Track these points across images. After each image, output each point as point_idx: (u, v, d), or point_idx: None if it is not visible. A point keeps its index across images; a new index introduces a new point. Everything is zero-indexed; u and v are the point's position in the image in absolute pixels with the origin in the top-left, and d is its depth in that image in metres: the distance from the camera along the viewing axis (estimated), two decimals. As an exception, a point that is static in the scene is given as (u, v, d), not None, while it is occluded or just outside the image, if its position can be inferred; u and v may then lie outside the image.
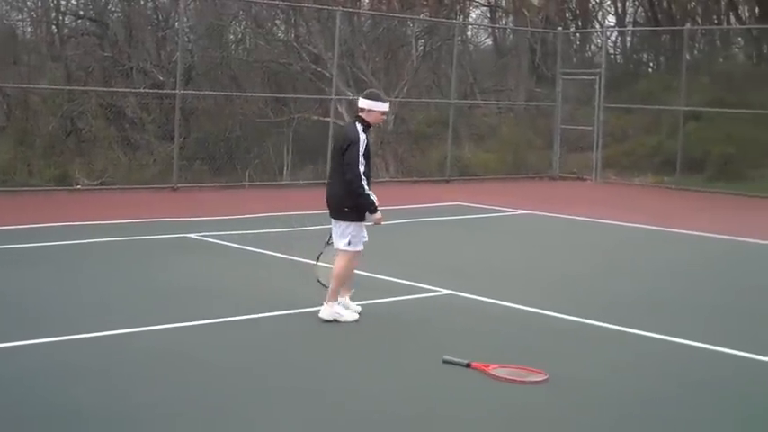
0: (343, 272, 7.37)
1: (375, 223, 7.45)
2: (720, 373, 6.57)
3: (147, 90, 19.32)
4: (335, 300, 7.45)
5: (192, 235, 11.61)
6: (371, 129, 7.54)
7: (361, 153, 7.24)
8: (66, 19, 22.25)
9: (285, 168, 19.20)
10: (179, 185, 16.72)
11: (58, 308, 7.83)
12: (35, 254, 10.32)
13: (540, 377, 6.10)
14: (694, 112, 21.27)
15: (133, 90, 19.22)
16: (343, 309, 7.48)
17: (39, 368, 6.05)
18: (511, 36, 29.77)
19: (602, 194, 19.36)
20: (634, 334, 7.42)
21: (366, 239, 7.46)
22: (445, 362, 6.36)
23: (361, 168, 7.22)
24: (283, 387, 5.86)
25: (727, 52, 28.73)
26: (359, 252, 7.43)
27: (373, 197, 7.31)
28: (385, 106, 7.45)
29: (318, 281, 7.85)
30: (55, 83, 18.70)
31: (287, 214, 13.99)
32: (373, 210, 7.34)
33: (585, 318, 7.86)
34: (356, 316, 7.48)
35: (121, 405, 5.41)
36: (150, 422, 5.17)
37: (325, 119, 19.39)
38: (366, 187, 7.25)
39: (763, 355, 6.86)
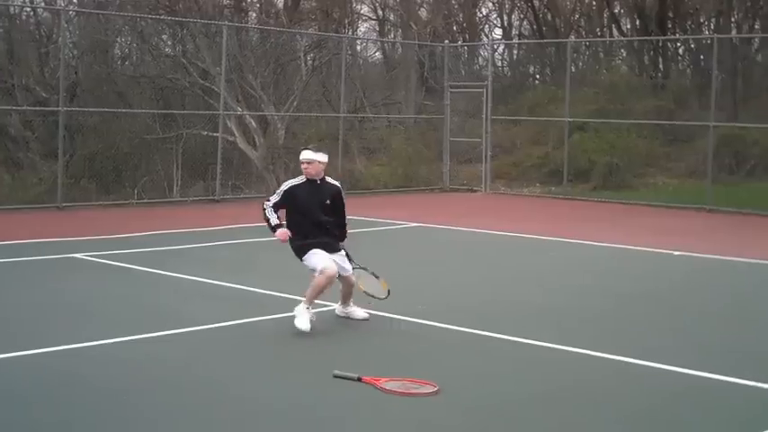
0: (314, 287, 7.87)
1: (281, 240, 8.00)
2: (593, 376, 6.76)
3: (30, 107, 18.84)
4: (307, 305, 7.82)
5: (78, 255, 11.37)
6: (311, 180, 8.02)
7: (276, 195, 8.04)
8: None
9: (175, 185, 18.95)
10: (65, 204, 16.36)
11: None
12: None
13: (430, 389, 6.16)
14: (578, 123, 21.84)
15: (16, 108, 18.71)
16: (305, 314, 7.73)
17: None
18: (399, 49, 30.06)
19: (492, 205, 19.70)
20: (513, 341, 7.58)
21: (324, 263, 7.82)
22: (336, 377, 6.38)
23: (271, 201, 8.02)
24: (162, 403, 5.80)
25: (610, 64, 29.59)
26: (322, 274, 7.77)
27: (270, 217, 7.94)
28: (303, 155, 7.98)
29: (365, 292, 8.42)
30: None
31: (176, 231, 13.83)
32: (271, 228, 7.98)
33: (471, 328, 7.98)
34: (307, 326, 7.68)
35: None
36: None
37: (215, 134, 19.23)
38: (266, 210, 7.97)
39: (639, 359, 7.07)
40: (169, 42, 23.25)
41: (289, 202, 7.95)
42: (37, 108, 18.83)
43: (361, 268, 8.38)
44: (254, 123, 20.77)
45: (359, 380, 6.32)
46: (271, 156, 20.37)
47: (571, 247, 13.30)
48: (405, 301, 8.68)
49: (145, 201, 17.87)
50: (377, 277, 8.41)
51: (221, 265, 11.15)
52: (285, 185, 8.04)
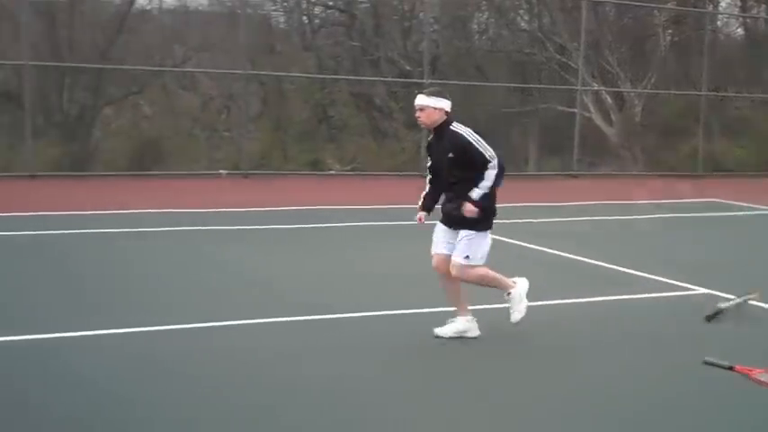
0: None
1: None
2: None
3: (394, 79, 19.72)
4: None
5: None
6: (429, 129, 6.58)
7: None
8: (316, 9, 23.07)
9: (530, 159, 19.09)
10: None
11: (342, 285, 8.09)
12: (290, 235, 10.82)
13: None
14: None
15: (381, 79, 19.67)
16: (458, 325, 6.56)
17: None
18: (764, 25, 28.23)
19: None
20: None
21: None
22: (706, 363, 6.09)
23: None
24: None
25: None
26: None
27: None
28: (415, 100, 6.48)
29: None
30: (307, 71, 19.43)
31: (533, 205, 13.91)
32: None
33: None
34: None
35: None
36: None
37: (571, 109, 19.11)
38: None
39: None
40: (526, 17, 23.40)
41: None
42: (401, 80, 19.66)
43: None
44: (609, 100, 20.43)
45: (731, 369, 5.99)
46: (627, 133, 19.93)
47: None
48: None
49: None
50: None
51: (582, 239, 11.05)
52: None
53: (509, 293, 6.51)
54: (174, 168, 17.49)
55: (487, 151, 6.21)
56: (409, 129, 18.64)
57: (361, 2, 22.10)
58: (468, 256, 6.29)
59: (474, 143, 6.22)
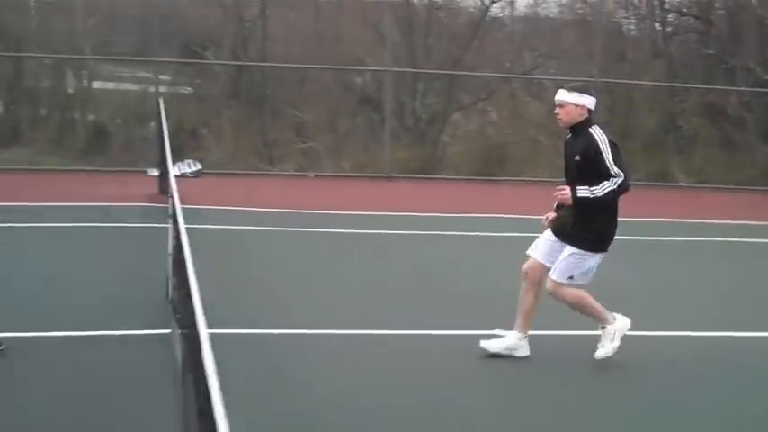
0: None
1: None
2: None
3: (749, 89, 18.87)
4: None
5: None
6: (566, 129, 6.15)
7: None
8: (669, 16, 22.52)
9: None
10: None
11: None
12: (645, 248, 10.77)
13: None
14: None
15: (735, 88, 18.90)
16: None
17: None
18: None
19: None
20: None
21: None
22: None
23: None
24: None
25: None
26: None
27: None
28: (557, 95, 6.05)
29: None
30: (656, 79, 19.08)
31: None
32: None
33: None
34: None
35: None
36: None
37: None
38: None
39: None
40: None
41: None
42: (756, 89, 18.77)
43: None
44: None
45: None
46: None
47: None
48: None
49: None
50: None
51: None
52: None
53: (604, 327, 6.01)
54: (518, 174, 17.87)
55: (613, 168, 5.76)
56: (764, 141, 17.77)
57: (719, 8, 21.32)
58: (571, 277, 5.92)
59: (604, 153, 5.80)
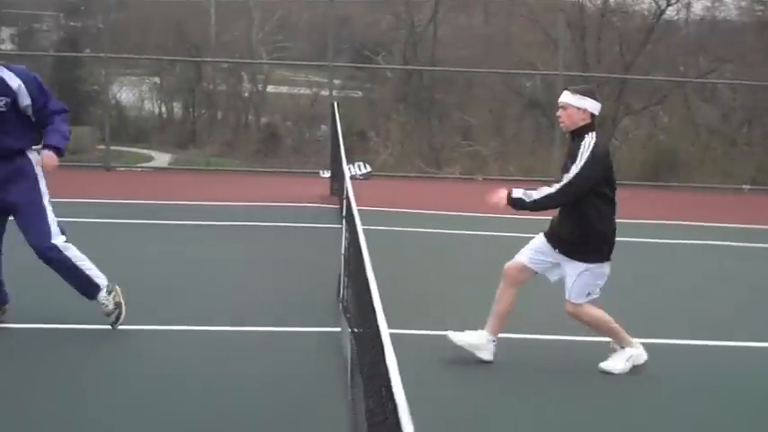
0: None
1: None
2: None
3: None
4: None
5: None
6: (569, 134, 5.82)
7: None
8: None
9: None
10: None
11: None
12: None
13: None
14: None
15: None
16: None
17: None
18: None
19: None
20: None
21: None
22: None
23: None
24: None
25: None
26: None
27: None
28: (561, 97, 5.76)
29: None
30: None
31: None
32: None
33: None
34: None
35: None
36: None
37: None
38: None
39: None
40: None
41: None
42: None
43: None
44: None
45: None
46: None
47: None
48: None
49: None
50: None
51: None
52: None
53: (623, 348, 5.81)
54: (688, 181, 17.38)
55: (580, 173, 5.47)
56: None
57: None
58: (589, 294, 5.70)
59: (579, 159, 5.51)
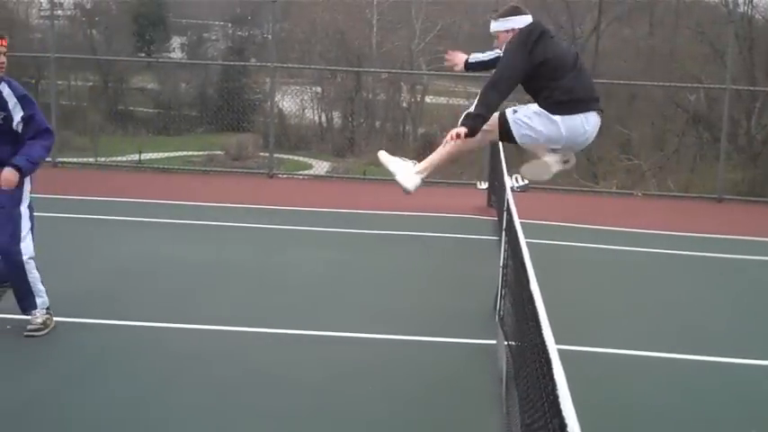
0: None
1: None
2: None
3: None
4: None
5: None
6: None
7: None
8: None
9: None
10: None
11: None
12: None
13: None
14: None
15: None
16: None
17: None
18: None
19: None
20: None
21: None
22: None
23: None
24: None
25: None
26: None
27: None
28: None
29: None
30: None
31: None
32: None
33: None
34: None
35: None
36: None
37: None
38: None
39: None
40: None
41: None
42: None
43: None
44: None
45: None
46: None
47: None
48: None
49: None
50: None
51: None
52: None
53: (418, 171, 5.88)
54: None
55: (501, 62, 5.69)
56: None
57: None
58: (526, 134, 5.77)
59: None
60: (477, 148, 6.27)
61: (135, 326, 6.57)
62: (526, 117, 5.68)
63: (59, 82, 23.08)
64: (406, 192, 5.90)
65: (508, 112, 5.78)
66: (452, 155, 5.85)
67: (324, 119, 32.73)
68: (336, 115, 31.88)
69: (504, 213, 6.46)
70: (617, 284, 8.88)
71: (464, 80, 26.60)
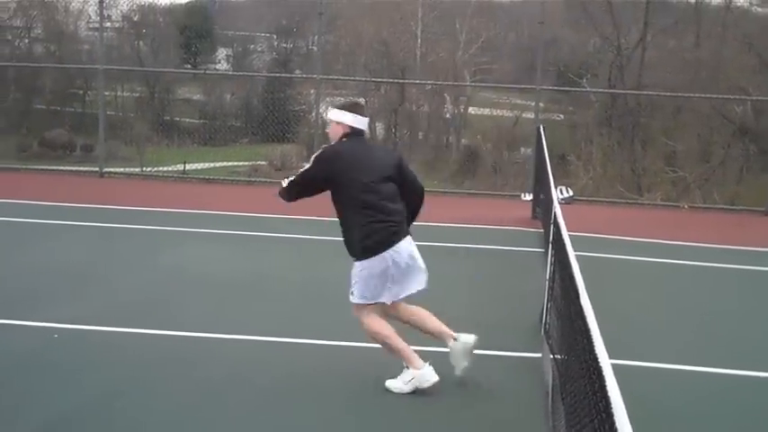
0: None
1: None
2: None
3: None
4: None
5: None
6: None
7: None
8: None
9: None
10: None
11: None
12: None
13: None
14: None
15: None
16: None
17: None
18: None
19: None
20: None
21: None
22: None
23: None
24: None
25: None
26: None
27: None
28: None
29: None
30: None
31: None
32: None
33: None
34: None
35: None
36: None
37: None
38: None
39: None
40: None
41: None
42: None
43: None
44: None
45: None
46: None
47: None
48: None
49: None
50: None
51: None
52: None
53: (407, 367, 5.72)
54: None
55: (303, 171, 5.78)
56: None
57: None
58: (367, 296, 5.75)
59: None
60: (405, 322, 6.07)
61: (183, 336, 6.63)
62: None
63: (107, 93, 23.36)
64: (430, 384, 5.67)
65: None
66: (384, 337, 5.79)
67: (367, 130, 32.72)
68: (380, 126, 31.95)
69: (551, 226, 6.43)
70: (663, 298, 8.80)
71: (508, 91, 26.53)
